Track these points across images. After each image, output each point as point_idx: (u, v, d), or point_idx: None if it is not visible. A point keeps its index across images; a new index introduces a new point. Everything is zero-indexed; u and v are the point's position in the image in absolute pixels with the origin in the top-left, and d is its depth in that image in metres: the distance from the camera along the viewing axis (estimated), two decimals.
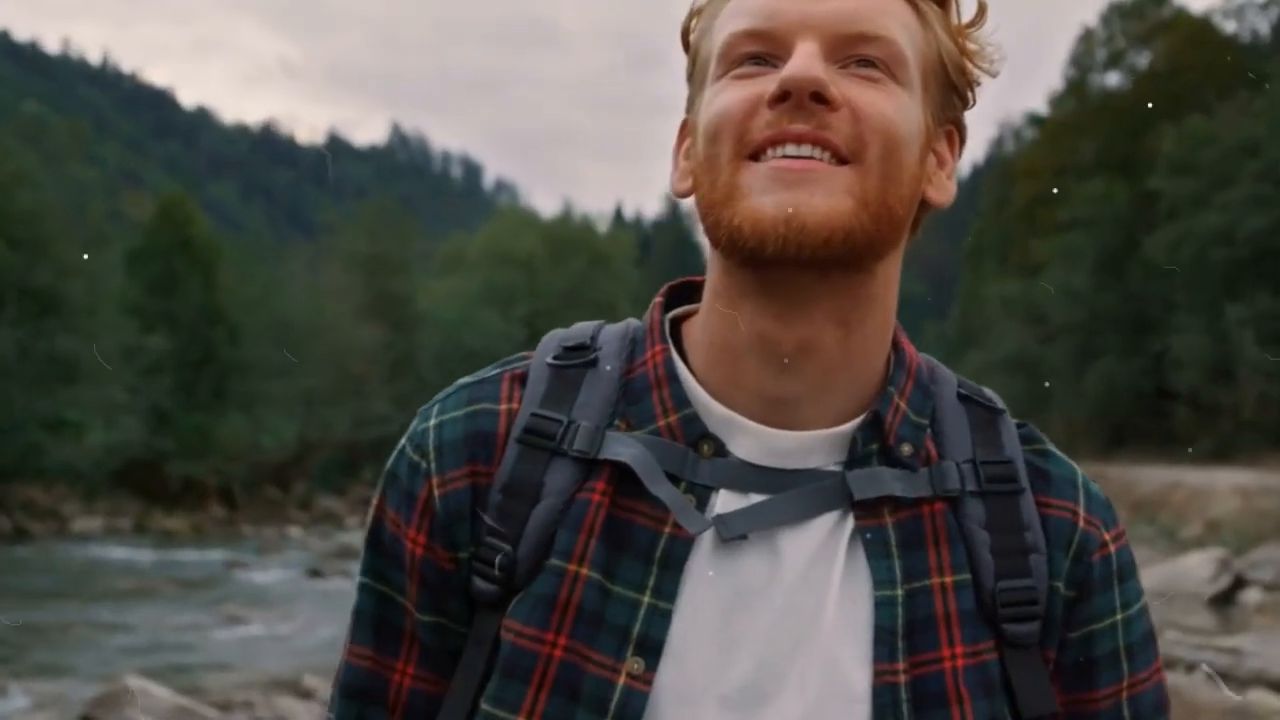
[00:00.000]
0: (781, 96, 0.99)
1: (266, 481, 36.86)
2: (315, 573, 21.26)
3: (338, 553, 24.31)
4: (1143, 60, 44.65)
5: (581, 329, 1.12)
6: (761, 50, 1.02)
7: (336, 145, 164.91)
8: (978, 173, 62.76)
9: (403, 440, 1.09)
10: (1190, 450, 30.30)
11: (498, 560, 1.03)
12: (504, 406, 1.07)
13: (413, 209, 76.45)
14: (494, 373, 1.10)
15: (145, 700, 9.29)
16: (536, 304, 45.77)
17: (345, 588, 19.46)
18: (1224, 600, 15.46)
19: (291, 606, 17.51)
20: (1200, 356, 32.78)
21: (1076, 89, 46.26)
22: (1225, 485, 23.75)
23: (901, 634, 1.01)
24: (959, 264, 51.83)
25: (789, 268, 0.98)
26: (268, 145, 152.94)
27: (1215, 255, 32.48)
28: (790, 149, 0.98)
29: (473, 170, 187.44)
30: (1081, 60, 45.91)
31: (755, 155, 0.99)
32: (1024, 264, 42.31)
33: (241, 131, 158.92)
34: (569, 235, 52.22)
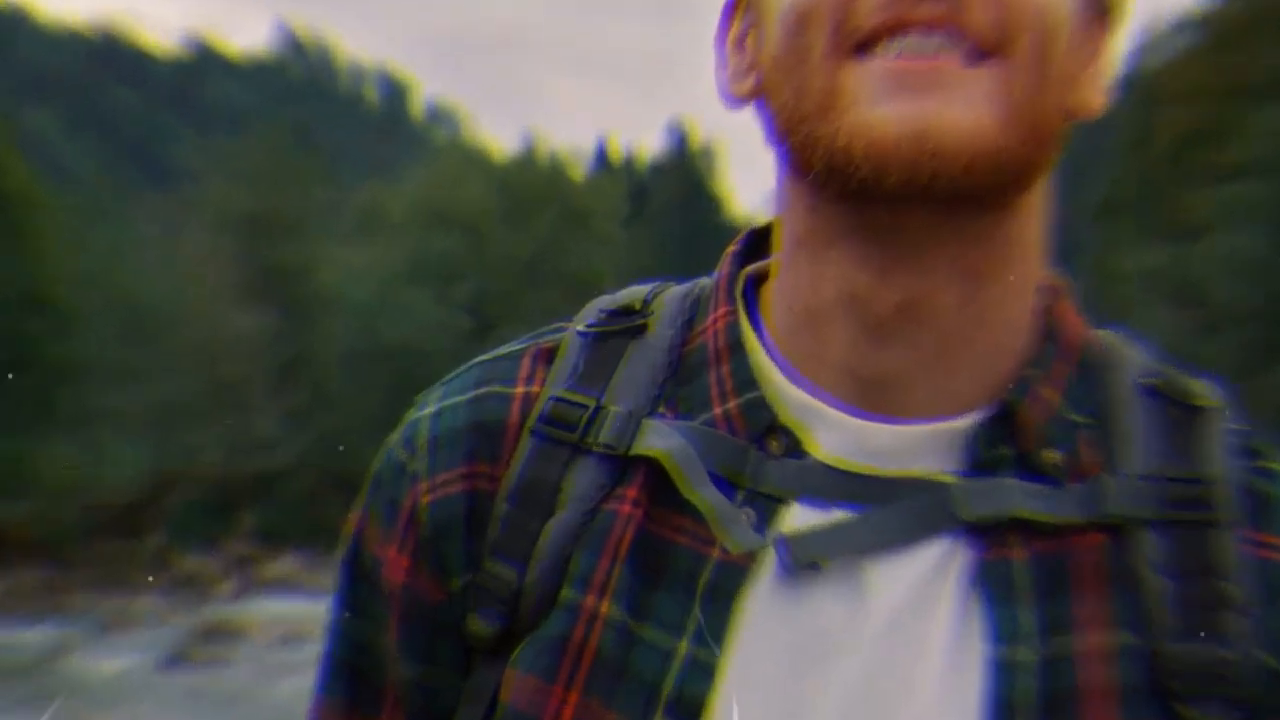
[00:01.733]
0: None
1: (108, 531, 36.82)
2: (177, 659, 21.26)
3: (206, 631, 24.26)
4: None
5: (635, 289, 1.15)
6: None
7: (204, 57, 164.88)
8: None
9: (394, 434, 1.13)
10: None
11: (500, 591, 1.06)
12: (520, 389, 1.10)
13: (312, 145, 76.38)
14: (517, 347, 1.14)
15: None
16: (486, 281, 45.69)
17: (217, 680, 19.48)
18: None
19: (143, 705, 17.51)
20: None
21: None
22: None
23: (1034, 712, 0.99)
24: (1085, 226, 51.90)
25: (910, 203, 0.98)
26: (106, 56, 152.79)
27: None
28: (914, 39, 0.97)
29: (396, 92, 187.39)
30: None
31: (862, 48, 0.98)
32: (1176, 225, 42.39)
33: (70, 38, 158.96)
34: (533, 182, 52.15)
